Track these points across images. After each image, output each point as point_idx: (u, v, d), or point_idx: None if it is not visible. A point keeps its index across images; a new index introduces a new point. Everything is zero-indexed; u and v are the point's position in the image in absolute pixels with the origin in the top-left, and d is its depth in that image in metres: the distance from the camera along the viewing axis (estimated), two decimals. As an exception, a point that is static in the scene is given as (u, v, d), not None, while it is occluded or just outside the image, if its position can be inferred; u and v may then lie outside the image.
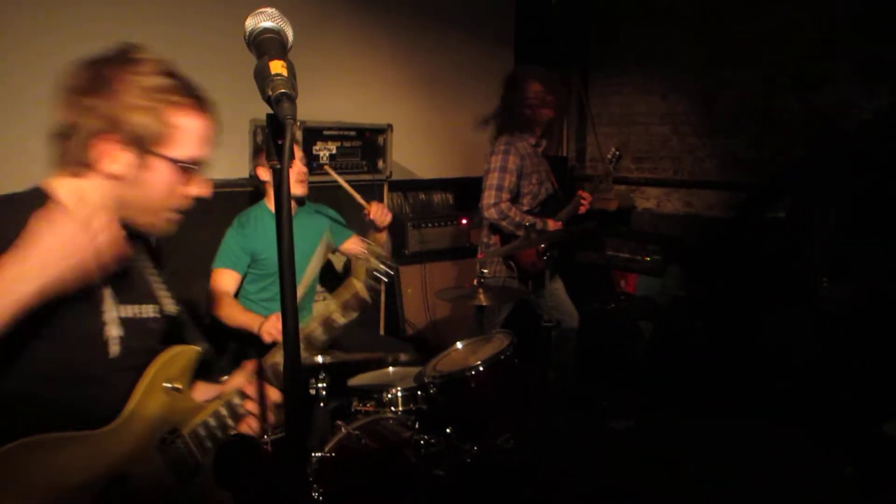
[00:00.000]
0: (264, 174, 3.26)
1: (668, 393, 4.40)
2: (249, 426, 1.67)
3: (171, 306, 1.63)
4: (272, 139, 1.10)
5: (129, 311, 1.51)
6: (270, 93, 1.07)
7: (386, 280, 1.86)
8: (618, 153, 4.32)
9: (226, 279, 3.15)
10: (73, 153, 1.41)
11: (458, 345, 3.11)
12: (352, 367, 3.16)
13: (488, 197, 3.85)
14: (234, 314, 3.00)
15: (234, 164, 3.98)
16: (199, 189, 1.52)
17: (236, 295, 3.23)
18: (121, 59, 1.43)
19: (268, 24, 1.15)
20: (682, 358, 4.68)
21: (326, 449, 2.41)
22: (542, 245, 3.66)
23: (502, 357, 2.86)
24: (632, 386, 4.53)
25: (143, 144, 1.41)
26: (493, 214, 3.84)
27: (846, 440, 3.65)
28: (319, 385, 2.58)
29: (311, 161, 4.01)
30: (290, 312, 1.11)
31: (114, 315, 1.47)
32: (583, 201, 4.02)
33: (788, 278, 4.52)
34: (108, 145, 1.40)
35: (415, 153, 5.00)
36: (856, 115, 4.56)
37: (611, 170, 4.36)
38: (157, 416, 1.49)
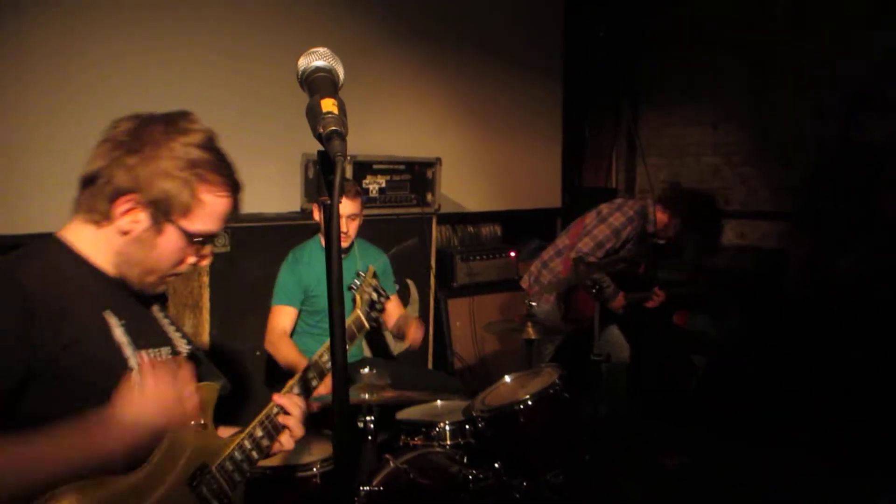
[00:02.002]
0: (317, 214, 3.32)
1: (722, 429, 4.29)
2: (282, 444, 1.69)
3: (184, 346, 1.67)
4: (323, 175, 1.12)
5: (146, 355, 1.52)
6: (321, 130, 1.09)
7: (381, 308, 2.03)
8: None
9: (283, 317, 3.18)
10: (97, 204, 1.45)
11: (507, 378, 3.07)
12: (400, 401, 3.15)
13: (586, 245, 3.95)
14: (286, 353, 3.07)
15: (286, 197, 4.05)
16: (202, 259, 1.58)
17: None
18: (169, 124, 1.47)
19: (320, 63, 1.18)
20: (737, 392, 4.55)
21: (374, 483, 2.40)
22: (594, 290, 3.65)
23: (551, 391, 2.83)
24: (684, 421, 4.42)
25: (164, 211, 1.46)
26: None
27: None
28: (368, 419, 2.59)
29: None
30: (339, 348, 1.12)
31: (135, 361, 1.49)
32: (655, 297, 4.15)
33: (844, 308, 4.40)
34: (131, 204, 1.44)
35: (463, 186, 5.03)
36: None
37: None
38: (186, 454, 1.50)
